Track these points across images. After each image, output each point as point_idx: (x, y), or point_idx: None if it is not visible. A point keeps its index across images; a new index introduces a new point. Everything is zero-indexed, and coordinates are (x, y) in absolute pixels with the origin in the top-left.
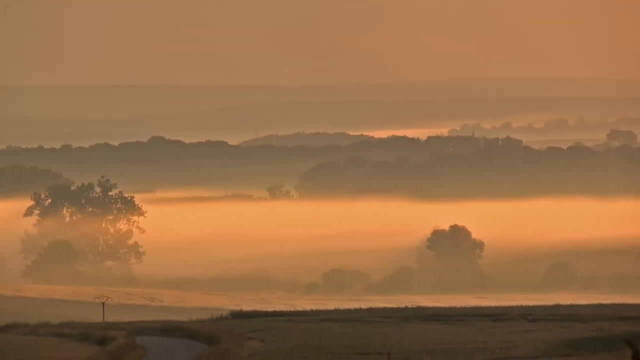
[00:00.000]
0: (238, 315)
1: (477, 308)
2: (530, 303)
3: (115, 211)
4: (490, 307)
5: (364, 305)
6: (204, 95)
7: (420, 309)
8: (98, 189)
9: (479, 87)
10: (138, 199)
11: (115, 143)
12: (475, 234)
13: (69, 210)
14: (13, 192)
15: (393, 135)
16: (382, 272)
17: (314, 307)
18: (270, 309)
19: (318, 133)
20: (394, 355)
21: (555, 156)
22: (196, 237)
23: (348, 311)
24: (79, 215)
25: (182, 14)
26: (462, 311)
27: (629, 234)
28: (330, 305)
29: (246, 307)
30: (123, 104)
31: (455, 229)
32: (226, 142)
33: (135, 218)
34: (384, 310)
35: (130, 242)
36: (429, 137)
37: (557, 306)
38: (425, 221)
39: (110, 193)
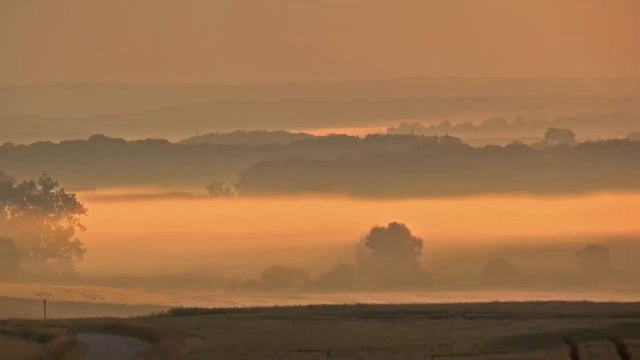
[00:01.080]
0: (179, 312)
1: (416, 305)
2: (469, 300)
3: (56, 209)
4: (429, 305)
5: (304, 302)
6: (145, 94)
7: (359, 306)
8: (39, 187)
9: (417, 86)
10: (79, 196)
11: (57, 141)
12: (414, 232)
13: (11, 208)
14: None
15: (332, 134)
16: (322, 270)
17: (253, 305)
18: (210, 306)
19: (258, 132)
20: (333, 352)
21: (494, 155)
22: (137, 235)
23: (287, 308)
24: (20, 213)
25: (124, 13)
26: (401, 308)
27: (568, 232)
28: (270, 303)
29: (187, 304)
30: (64, 103)
31: (394, 226)
32: (167, 141)
33: (76, 216)
34: (324, 307)
35: (72, 239)
36: (368, 136)
37: (496, 303)
38: (364, 219)
39: (51, 191)
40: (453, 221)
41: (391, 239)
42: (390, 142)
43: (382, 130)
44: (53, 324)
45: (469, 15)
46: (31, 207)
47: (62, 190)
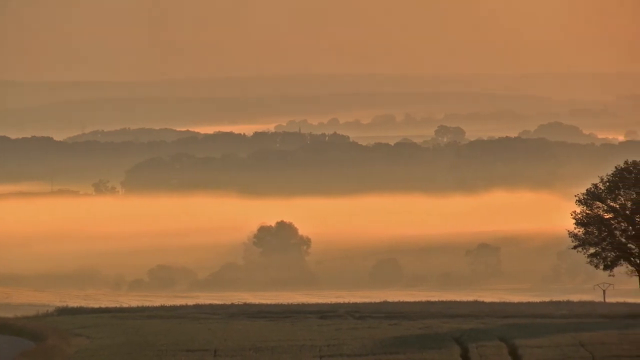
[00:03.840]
0: (64, 311)
1: (304, 305)
2: (358, 300)
3: None
4: (317, 304)
5: (190, 301)
6: (30, 91)
7: (246, 305)
8: None
9: (305, 83)
10: None
11: None
12: (302, 231)
13: None
14: None
15: (219, 131)
16: (209, 269)
17: (140, 304)
18: (96, 305)
19: (144, 129)
20: (220, 352)
21: (383, 152)
22: (22, 233)
23: (174, 308)
24: None
25: (6, 8)
26: (289, 308)
27: (457, 231)
28: (156, 302)
29: (72, 303)
30: None
31: (281, 225)
32: (52, 138)
33: None
34: (210, 306)
35: None
36: (256, 133)
37: (385, 303)
38: (251, 217)
39: None
40: (341, 220)
41: (279, 238)
42: (278, 140)
43: (270, 127)
44: None
45: (359, 11)
46: None
47: None
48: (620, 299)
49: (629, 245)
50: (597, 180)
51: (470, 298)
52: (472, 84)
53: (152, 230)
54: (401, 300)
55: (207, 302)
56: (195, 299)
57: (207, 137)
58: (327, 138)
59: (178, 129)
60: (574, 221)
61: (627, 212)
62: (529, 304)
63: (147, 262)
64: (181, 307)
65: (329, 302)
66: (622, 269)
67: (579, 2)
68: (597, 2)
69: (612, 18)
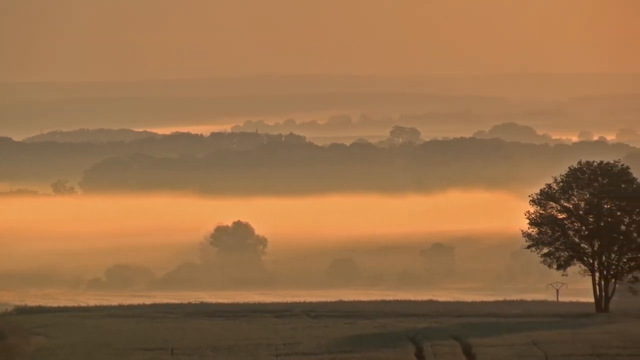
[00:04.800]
0: (23, 310)
1: (260, 304)
2: (314, 299)
3: None
4: (273, 304)
5: (148, 301)
6: None
7: (203, 304)
8: None
9: (261, 84)
10: None
11: None
12: (259, 230)
13: None
14: None
15: (177, 132)
16: (166, 268)
17: (98, 303)
18: (54, 304)
19: (102, 130)
20: (178, 351)
21: (339, 153)
22: None
23: (132, 307)
24: None
25: None
26: (246, 307)
27: (413, 231)
28: (114, 301)
29: (31, 302)
30: None
31: (238, 225)
32: (10, 138)
33: None
34: (168, 306)
35: None
36: (213, 134)
37: (341, 303)
38: (208, 217)
39: None
40: (298, 220)
41: (235, 238)
42: (235, 140)
43: (227, 128)
44: None
45: (315, 12)
46: None
47: None
48: (574, 299)
49: (582, 245)
50: (550, 181)
51: (425, 297)
52: (427, 84)
53: (110, 230)
54: (357, 299)
55: (164, 301)
56: (153, 298)
57: (164, 137)
58: (283, 138)
59: (136, 129)
60: (527, 221)
61: (581, 212)
62: (483, 303)
63: (105, 262)
64: (139, 306)
65: (285, 301)
66: (576, 268)
67: (533, 3)
68: (551, 3)
69: (567, 19)
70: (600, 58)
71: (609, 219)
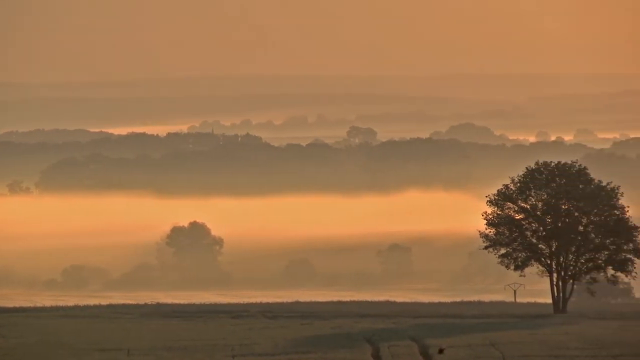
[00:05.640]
0: None
1: (216, 305)
2: (270, 300)
3: None
4: (230, 304)
5: (104, 301)
6: None
7: (159, 305)
8: None
9: (217, 84)
10: None
11: None
12: (215, 231)
13: None
14: None
15: (133, 132)
16: (122, 269)
17: (53, 304)
18: (10, 305)
19: (58, 130)
20: (134, 351)
21: (295, 153)
22: None
23: (88, 307)
24: None
25: None
26: (202, 308)
27: (369, 231)
28: (70, 302)
29: None
30: None
31: (194, 225)
32: None
33: None
34: (124, 306)
35: None
36: (169, 134)
37: (297, 303)
38: (164, 217)
39: None
40: (254, 220)
41: (191, 238)
42: (191, 141)
43: (183, 128)
44: None
45: (268, 12)
46: None
47: None
48: (531, 299)
49: (539, 245)
50: (508, 181)
51: (382, 298)
52: (383, 85)
53: (66, 231)
54: (313, 300)
55: (121, 302)
56: (109, 298)
57: (120, 137)
58: (239, 139)
59: (92, 130)
60: (485, 222)
61: (538, 212)
62: (440, 304)
63: (60, 262)
64: (95, 306)
65: (242, 302)
66: (533, 269)
67: (489, 3)
68: (507, 3)
69: (523, 19)
70: (558, 59)
71: (567, 220)
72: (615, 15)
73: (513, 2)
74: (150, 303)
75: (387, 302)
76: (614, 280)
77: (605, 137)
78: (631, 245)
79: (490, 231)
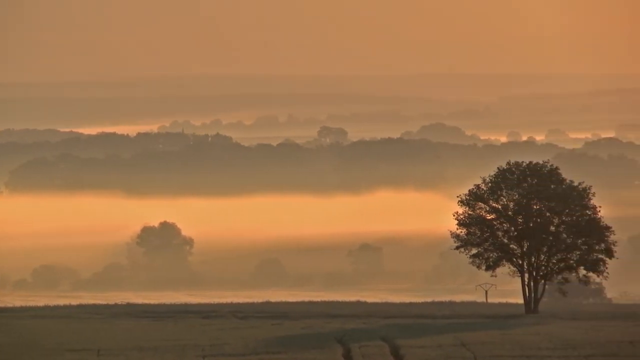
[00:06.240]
0: None
1: (187, 305)
2: (241, 300)
3: None
4: (200, 304)
5: (74, 301)
6: None
7: (130, 305)
8: None
9: (187, 84)
10: None
11: None
12: (185, 231)
13: None
14: None
15: (103, 132)
16: (92, 269)
17: (23, 304)
18: None
19: (28, 130)
20: (104, 352)
21: (266, 153)
22: None
23: (58, 307)
24: None
25: None
26: (172, 308)
27: (340, 231)
28: (40, 302)
29: None
30: None
31: (165, 225)
32: None
33: None
34: (94, 306)
35: None
36: (139, 134)
37: (268, 303)
38: (135, 217)
39: None
40: (224, 220)
41: (162, 238)
42: (161, 141)
43: (153, 128)
44: None
45: (237, 12)
46: None
47: None
48: (503, 300)
49: (511, 245)
50: (479, 181)
51: (353, 298)
52: (353, 85)
53: (35, 231)
54: (284, 300)
55: (91, 302)
56: (79, 298)
57: (90, 137)
58: (210, 139)
59: (62, 129)
60: (456, 222)
61: (510, 212)
62: (411, 304)
63: (30, 262)
64: (65, 307)
65: (212, 302)
66: (504, 269)
67: (460, 2)
68: (477, 3)
69: (494, 19)
70: (529, 59)
71: (538, 220)
72: (585, 16)
73: (483, 2)
74: (120, 303)
75: (358, 303)
76: (585, 281)
77: (577, 137)
78: (603, 245)
79: (462, 231)
